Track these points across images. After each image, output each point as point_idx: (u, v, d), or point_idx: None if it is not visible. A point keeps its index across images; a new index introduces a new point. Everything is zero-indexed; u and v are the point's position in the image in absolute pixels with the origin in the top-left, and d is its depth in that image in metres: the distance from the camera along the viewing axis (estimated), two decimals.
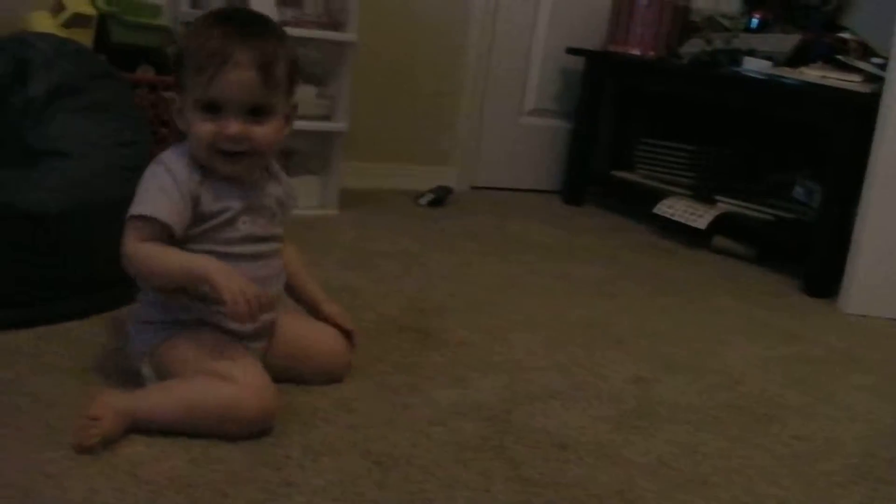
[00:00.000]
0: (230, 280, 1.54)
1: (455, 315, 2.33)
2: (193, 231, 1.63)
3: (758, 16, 3.80)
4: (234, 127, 1.59)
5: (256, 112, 1.61)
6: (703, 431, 1.82)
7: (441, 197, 3.67)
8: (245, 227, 1.67)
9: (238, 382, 1.55)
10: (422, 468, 1.54)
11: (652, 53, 3.86)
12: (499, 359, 2.08)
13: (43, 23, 2.78)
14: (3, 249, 1.86)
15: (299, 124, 3.18)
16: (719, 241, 3.42)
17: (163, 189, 1.60)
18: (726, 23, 3.86)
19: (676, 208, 3.50)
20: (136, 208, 1.60)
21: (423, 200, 3.64)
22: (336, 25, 3.23)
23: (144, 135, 2.29)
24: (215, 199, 1.64)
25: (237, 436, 1.54)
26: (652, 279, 2.95)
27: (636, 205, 3.86)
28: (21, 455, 1.43)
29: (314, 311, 1.89)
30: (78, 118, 2.17)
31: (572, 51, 4.02)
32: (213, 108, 1.59)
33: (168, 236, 1.60)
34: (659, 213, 3.55)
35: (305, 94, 3.20)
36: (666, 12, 3.87)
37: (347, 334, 1.86)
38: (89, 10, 2.83)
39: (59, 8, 2.82)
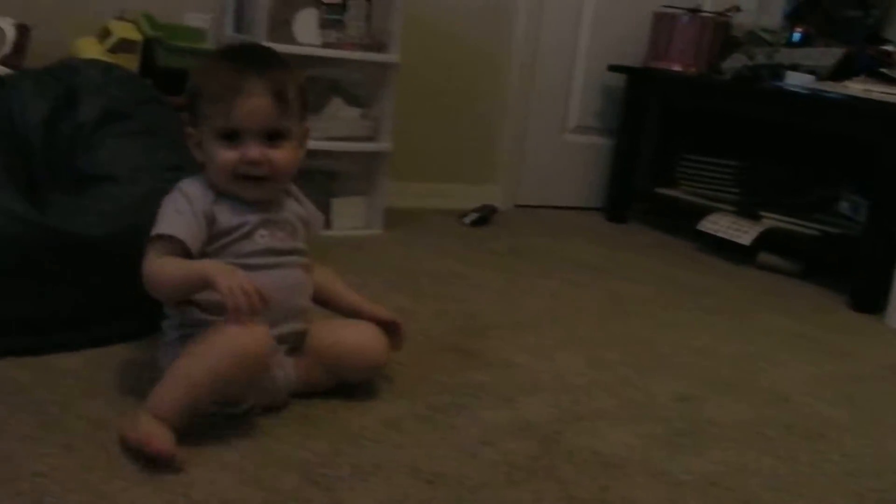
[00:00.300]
0: (228, 276, 1.58)
1: (501, 335, 2.34)
2: (212, 247, 1.71)
3: (800, 30, 3.78)
4: (254, 151, 1.69)
5: (273, 137, 1.71)
6: (751, 450, 1.82)
7: (485, 216, 3.69)
8: (263, 240, 1.74)
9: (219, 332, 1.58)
10: (471, 489, 1.55)
11: (693, 69, 3.85)
12: (545, 378, 2.08)
13: (89, 48, 2.82)
14: (53, 273, 1.89)
15: (343, 145, 3.26)
16: (764, 257, 3.41)
17: (178, 210, 1.70)
18: (768, 37, 3.84)
19: (720, 224, 3.49)
20: (154, 230, 1.69)
21: (468, 220, 3.66)
22: (378, 47, 3.25)
23: (191, 158, 2.33)
24: (232, 215, 1.73)
25: (243, 376, 1.59)
26: (697, 296, 2.95)
27: (679, 221, 3.85)
28: (74, 476, 1.45)
29: (357, 314, 1.94)
30: (126, 143, 2.20)
31: (614, 68, 4.02)
32: (233, 136, 1.69)
33: (185, 254, 1.67)
34: (703, 229, 3.54)
35: (349, 115, 3.23)
36: (707, 28, 3.87)
37: (395, 326, 1.94)
38: (135, 35, 2.88)
39: (105, 34, 2.87)
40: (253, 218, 1.74)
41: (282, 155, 1.73)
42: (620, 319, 2.60)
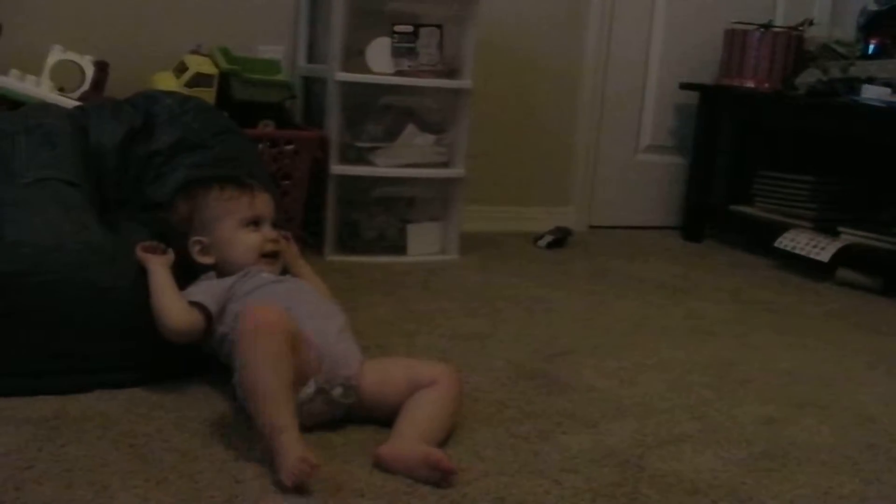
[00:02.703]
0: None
1: (582, 359, 2.35)
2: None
3: (874, 41, 3.74)
4: (274, 233, 2.08)
5: (274, 224, 2.10)
6: (838, 473, 1.80)
7: (561, 238, 3.70)
8: (267, 276, 2.01)
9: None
10: None
11: (767, 85, 3.83)
12: (628, 402, 2.08)
13: (167, 83, 2.89)
14: (117, 307, 1.92)
15: (419, 172, 3.29)
16: (844, 273, 3.38)
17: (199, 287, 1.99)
18: (842, 50, 3.81)
19: (798, 241, 3.47)
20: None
21: (543, 242, 3.67)
22: (451, 73, 3.28)
23: (267, 187, 2.36)
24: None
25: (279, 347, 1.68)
26: (777, 315, 2.93)
27: (756, 239, 3.83)
28: None
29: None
30: (196, 174, 2.25)
31: (686, 86, 4.02)
32: (254, 223, 2.05)
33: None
34: (780, 246, 3.51)
35: (423, 142, 3.26)
36: (779, 43, 3.85)
37: None
38: (211, 69, 2.94)
39: (181, 68, 2.93)
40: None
41: (281, 240, 2.11)
42: (701, 341, 2.59)
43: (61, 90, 2.79)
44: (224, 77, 2.97)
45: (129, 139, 2.25)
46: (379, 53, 3.17)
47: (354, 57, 3.17)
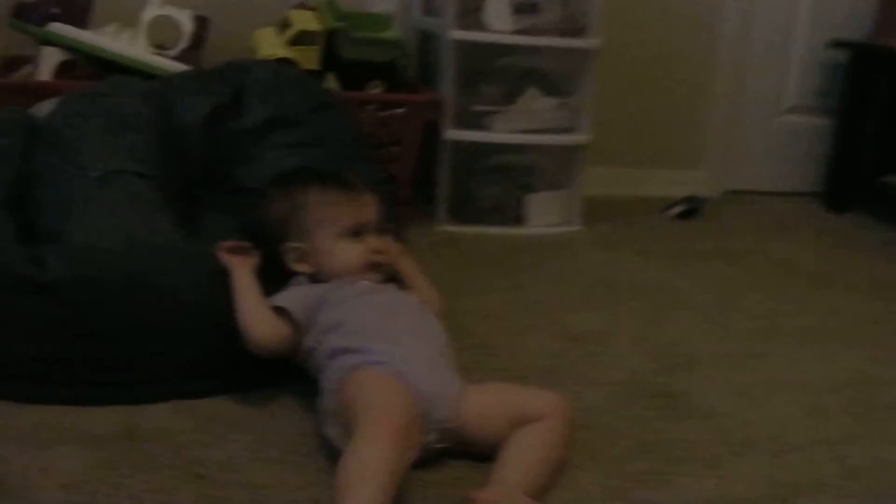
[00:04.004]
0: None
1: (707, 371, 2.11)
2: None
3: None
4: (378, 243, 1.88)
5: (379, 231, 1.90)
6: None
7: (692, 209, 3.43)
8: (366, 285, 1.83)
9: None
10: None
11: None
12: (756, 432, 1.84)
13: (268, 40, 2.72)
14: (191, 313, 1.76)
15: (539, 138, 3.05)
16: None
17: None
18: None
19: None
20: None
21: (673, 212, 3.41)
22: (576, 31, 3.03)
23: (363, 169, 2.17)
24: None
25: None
26: None
27: None
28: None
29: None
30: (289, 155, 2.07)
31: (836, 44, 3.68)
32: (357, 233, 1.86)
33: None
34: None
35: (545, 106, 3.03)
36: None
37: None
38: (316, 26, 2.75)
39: (285, 24, 2.75)
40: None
41: (389, 243, 1.93)
42: (845, 348, 2.31)
43: (159, 47, 2.63)
44: (330, 34, 2.78)
45: (217, 115, 2.08)
46: (498, 10, 2.93)
47: (471, 13, 2.93)
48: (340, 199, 1.87)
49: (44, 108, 2.15)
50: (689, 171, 3.76)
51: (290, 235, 1.87)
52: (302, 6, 2.86)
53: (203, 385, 1.76)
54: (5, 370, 1.67)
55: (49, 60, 2.53)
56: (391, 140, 2.82)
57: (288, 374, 1.81)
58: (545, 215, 3.11)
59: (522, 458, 1.54)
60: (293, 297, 1.78)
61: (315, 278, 1.85)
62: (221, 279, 1.74)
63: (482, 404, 1.62)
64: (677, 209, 3.41)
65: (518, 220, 3.09)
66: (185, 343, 1.73)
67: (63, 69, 2.56)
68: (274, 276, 1.82)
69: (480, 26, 2.93)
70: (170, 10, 2.66)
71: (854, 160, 3.70)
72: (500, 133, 2.99)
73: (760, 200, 3.79)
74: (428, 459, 1.59)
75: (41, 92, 2.37)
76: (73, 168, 1.77)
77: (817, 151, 3.86)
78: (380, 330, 1.69)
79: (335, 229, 1.85)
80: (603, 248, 2.96)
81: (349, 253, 1.85)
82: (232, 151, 2.07)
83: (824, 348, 2.31)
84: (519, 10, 2.95)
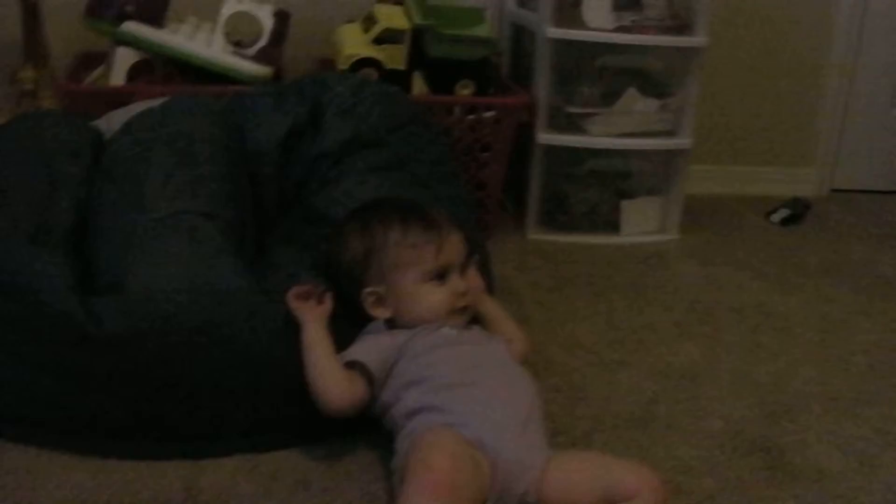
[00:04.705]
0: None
1: (813, 419, 1.96)
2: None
3: None
4: (462, 285, 1.74)
5: (463, 270, 1.77)
6: None
7: (797, 213, 3.24)
8: (452, 332, 1.71)
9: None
10: None
11: None
12: (865, 501, 1.70)
13: (352, 37, 2.62)
14: (254, 365, 1.66)
15: (638, 143, 2.90)
16: None
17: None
18: None
19: None
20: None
21: (776, 217, 3.23)
22: (681, 28, 2.85)
23: (449, 190, 2.05)
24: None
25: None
26: None
27: None
28: None
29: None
30: (370, 179, 1.96)
31: None
32: (440, 276, 1.72)
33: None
34: None
35: (646, 107, 2.87)
36: None
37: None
38: (403, 23, 2.62)
39: (370, 20, 2.63)
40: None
41: (475, 281, 1.81)
42: None
43: (237, 44, 2.54)
44: (418, 31, 2.64)
45: (294, 137, 1.96)
46: (597, 6, 2.77)
47: (569, 8, 2.77)
48: (422, 239, 1.72)
49: (113, 120, 2.07)
50: (796, 170, 3.57)
51: (367, 277, 1.74)
52: (388, 0, 2.74)
53: (268, 438, 1.68)
54: (66, 424, 1.59)
55: (123, 62, 2.45)
56: (480, 147, 2.69)
57: (361, 425, 1.70)
58: (641, 222, 2.96)
59: None
60: (370, 348, 1.67)
61: (393, 324, 1.74)
62: (290, 329, 1.63)
63: (569, 479, 1.50)
64: (782, 213, 3.23)
65: (612, 226, 2.94)
66: (249, 397, 1.64)
67: (138, 70, 2.48)
68: (348, 320, 1.71)
69: (579, 22, 2.77)
70: (249, 6, 2.56)
71: None
72: (597, 136, 2.83)
73: (869, 200, 3.57)
74: None
75: (114, 97, 2.30)
76: (133, 209, 1.67)
77: None
78: (464, 387, 1.58)
79: (417, 273, 1.72)
80: (701, 262, 2.80)
81: (432, 298, 1.72)
82: (309, 176, 1.96)
83: None
84: (620, 6, 2.78)
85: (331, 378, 1.60)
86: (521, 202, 2.93)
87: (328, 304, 1.70)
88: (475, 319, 1.83)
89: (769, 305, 2.52)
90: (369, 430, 1.70)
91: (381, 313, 1.74)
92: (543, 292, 2.49)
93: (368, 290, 1.73)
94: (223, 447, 1.65)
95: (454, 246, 1.75)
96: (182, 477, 1.60)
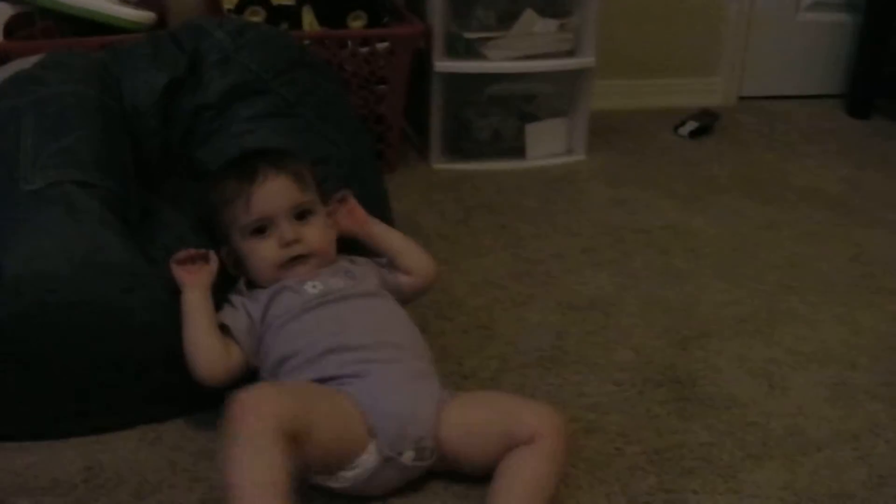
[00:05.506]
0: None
1: (723, 344, 1.94)
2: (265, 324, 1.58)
3: None
4: (287, 231, 1.60)
5: (301, 216, 1.63)
6: None
7: (705, 125, 3.21)
8: (315, 289, 1.59)
9: None
10: None
11: None
12: (777, 429, 1.67)
13: None
14: (141, 338, 1.59)
15: (540, 65, 2.83)
16: None
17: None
18: None
19: None
20: None
21: (684, 130, 3.19)
22: None
23: (348, 140, 1.97)
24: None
25: None
26: None
27: None
28: None
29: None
30: (256, 128, 1.87)
31: None
32: (261, 229, 1.61)
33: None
34: None
35: (544, 28, 2.79)
36: None
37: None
38: None
39: None
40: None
41: (314, 232, 1.64)
42: (868, 303, 2.13)
43: None
44: None
45: (173, 91, 1.86)
46: None
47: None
48: (234, 194, 1.61)
49: None
50: (702, 79, 3.53)
51: (220, 239, 1.68)
52: None
53: (164, 408, 1.63)
54: None
55: None
56: (377, 78, 2.61)
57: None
58: (547, 145, 2.91)
59: (516, 489, 1.39)
60: (233, 317, 1.59)
61: (252, 284, 1.66)
62: (176, 298, 1.56)
63: (467, 421, 1.46)
64: (690, 126, 3.20)
65: (518, 151, 2.89)
66: (138, 369, 1.57)
67: (16, 24, 2.35)
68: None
69: None
70: None
71: (879, 61, 3.45)
72: (495, 61, 2.76)
73: (778, 107, 3.55)
74: (413, 482, 1.47)
75: None
76: (6, 182, 1.57)
77: (839, 53, 3.61)
78: (335, 353, 1.50)
79: (237, 230, 1.63)
80: (609, 183, 2.76)
81: (257, 254, 1.62)
82: (191, 130, 1.87)
83: (847, 304, 2.12)
84: None
85: (202, 347, 1.52)
86: (424, 132, 2.86)
87: (212, 266, 1.62)
88: (376, 253, 1.76)
89: (678, 225, 2.49)
90: None
91: (237, 271, 1.67)
92: (450, 225, 2.44)
93: (224, 249, 1.66)
94: (119, 421, 1.59)
95: (272, 194, 1.61)
96: (83, 454, 1.54)
